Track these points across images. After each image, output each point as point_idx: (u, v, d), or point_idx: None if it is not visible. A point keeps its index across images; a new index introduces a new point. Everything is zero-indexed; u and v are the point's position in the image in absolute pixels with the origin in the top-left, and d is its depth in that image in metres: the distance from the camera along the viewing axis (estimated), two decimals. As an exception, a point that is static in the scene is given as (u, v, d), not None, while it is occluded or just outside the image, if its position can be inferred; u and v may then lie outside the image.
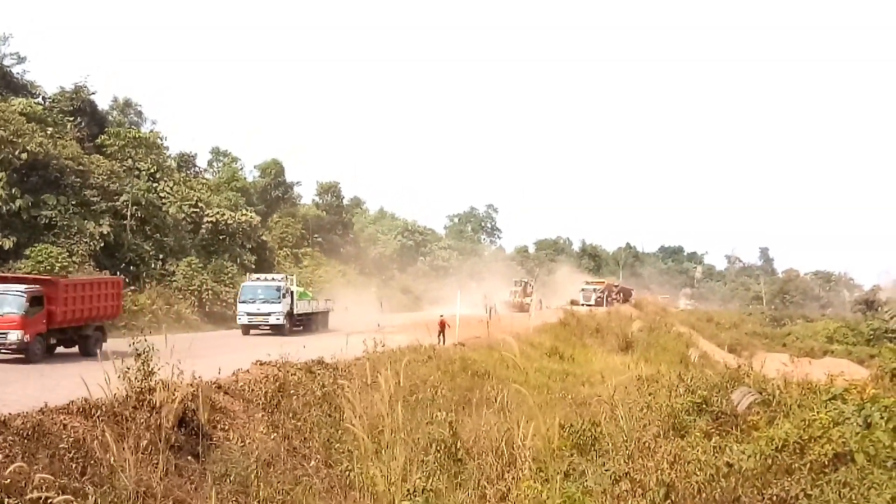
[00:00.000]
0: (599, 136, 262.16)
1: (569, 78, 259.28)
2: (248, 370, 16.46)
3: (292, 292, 35.81)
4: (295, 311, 35.72)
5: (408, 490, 8.74)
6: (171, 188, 51.39)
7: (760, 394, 14.41)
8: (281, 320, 33.76)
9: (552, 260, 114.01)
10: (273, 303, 34.14)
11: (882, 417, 9.96)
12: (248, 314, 34.52)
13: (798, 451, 9.60)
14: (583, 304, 68.26)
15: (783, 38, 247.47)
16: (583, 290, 76.82)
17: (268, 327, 34.10)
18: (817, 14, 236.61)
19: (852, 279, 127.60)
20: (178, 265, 45.55)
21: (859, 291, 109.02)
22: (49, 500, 6.29)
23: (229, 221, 53.10)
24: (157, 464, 9.29)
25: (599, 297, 75.00)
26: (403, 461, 9.07)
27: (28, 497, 7.07)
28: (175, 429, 11.27)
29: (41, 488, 7.26)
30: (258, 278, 36.83)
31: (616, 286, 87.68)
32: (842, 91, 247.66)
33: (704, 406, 14.25)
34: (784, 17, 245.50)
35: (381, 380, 9.74)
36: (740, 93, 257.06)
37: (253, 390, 14.80)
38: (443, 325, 30.09)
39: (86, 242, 39.35)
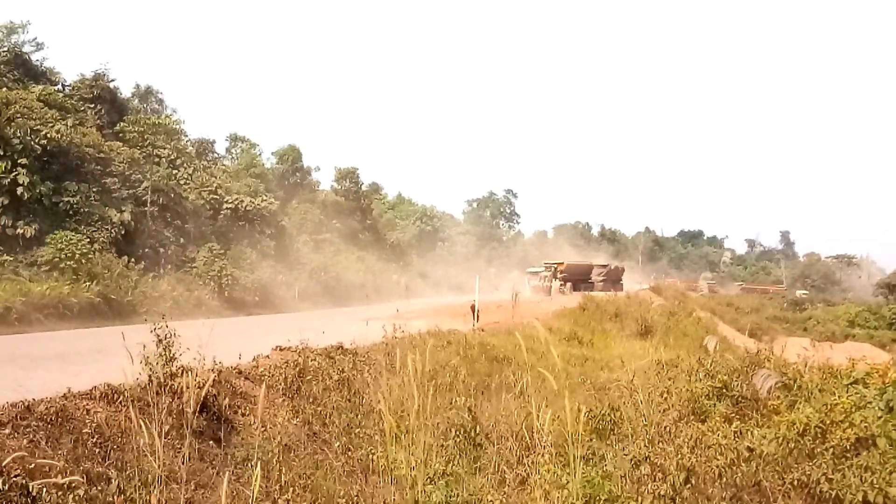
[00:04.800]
0: (619, 121, 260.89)
1: (588, 62, 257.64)
2: (268, 356, 16.53)
3: None
4: None
5: (428, 475, 8.78)
6: (191, 174, 51.74)
7: (781, 377, 14.31)
8: None
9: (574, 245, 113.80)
10: None
11: (904, 402, 9.90)
12: None
13: (819, 435, 9.52)
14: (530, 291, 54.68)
15: (806, 19, 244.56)
16: (528, 272, 65.65)
17: None
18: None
19: (874, 262, 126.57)
20: (198, 251, 45.89)
21: (881, 275, 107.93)
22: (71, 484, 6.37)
23: (248, 207, 53.39)
24: (181, 448, 9.37)
25: (557, 283, 62.36)
26: (424, 445, 9.10)
27: (52, 482, 7.16)
28: (197, 414, 11.36)
29: (65, 473, 7.35)
30: None
31: (606, 266, 76.45)
32: (861, 76, 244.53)
33: (725, 391, 14.17)
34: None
35: (401, 364, 9.77)
36: (760, 76, 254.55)
37: (273, 375, 14.84)
38: (473, 310, 30.24)
39: (107, 229, 39.66)
